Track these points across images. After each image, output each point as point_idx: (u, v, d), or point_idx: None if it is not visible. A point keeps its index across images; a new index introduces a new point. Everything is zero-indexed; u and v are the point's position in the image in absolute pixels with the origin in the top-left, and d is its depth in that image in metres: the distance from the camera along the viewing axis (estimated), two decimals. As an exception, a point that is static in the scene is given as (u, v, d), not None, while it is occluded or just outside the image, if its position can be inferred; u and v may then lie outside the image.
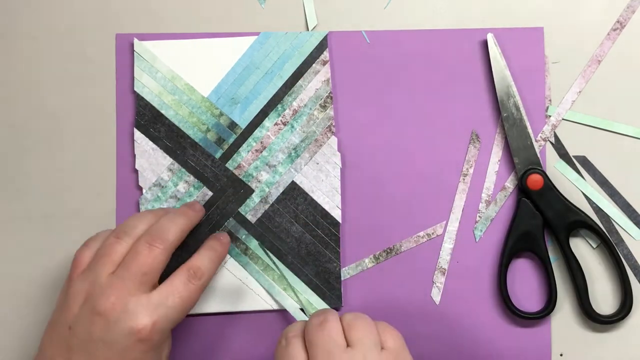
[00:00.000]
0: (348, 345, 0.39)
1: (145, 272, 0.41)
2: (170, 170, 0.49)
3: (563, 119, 0.50)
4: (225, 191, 0.49)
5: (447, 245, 0.49)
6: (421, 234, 0.49)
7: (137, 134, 0.49)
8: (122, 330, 0.40)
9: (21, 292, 0.49)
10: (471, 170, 0.50)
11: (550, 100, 0.50)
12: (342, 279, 0.49)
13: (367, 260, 0.49)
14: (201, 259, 0.44)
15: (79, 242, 0.49)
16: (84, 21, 0.51)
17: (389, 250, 0.49)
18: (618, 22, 0.50)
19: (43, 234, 0.50)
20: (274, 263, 0.48)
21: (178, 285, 0.42)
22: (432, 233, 0.49)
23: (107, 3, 0.51)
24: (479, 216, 0.50)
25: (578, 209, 0.48)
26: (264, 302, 0.49)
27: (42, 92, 0.50)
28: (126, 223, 0.44)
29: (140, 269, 0.41)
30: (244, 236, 0.49)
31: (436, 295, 0.49)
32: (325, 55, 0.50)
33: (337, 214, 0.49)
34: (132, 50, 0.50)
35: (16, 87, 0.50)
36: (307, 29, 0.50)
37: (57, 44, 0.50)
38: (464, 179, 0.50)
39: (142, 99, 0.49)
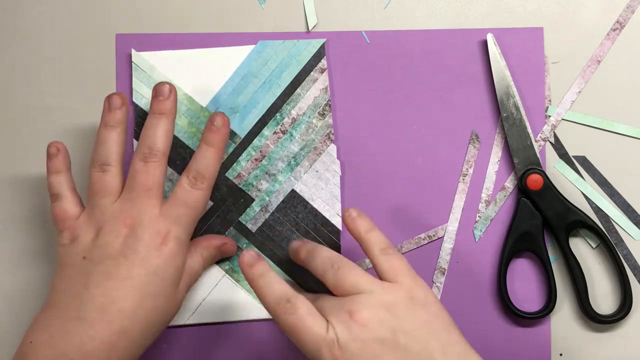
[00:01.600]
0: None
1: (150, 187, 0.43)
2: (171, 180, 0.49)
3: (563, 119, 0.50)
4: (226, 200, 0.49)
5: (447, 245, 0.49)
6: (422, 235, 0.49)
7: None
8: (141, 242, 0.41)
9: (20, 293, 0.49)
10: (471, 170, 0.50)
11: (550, 100, 0.50)
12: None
13: (367, 261, 0.49)
14: (199, 160, 0.44)
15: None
16: (84, 21, 0.51)
17: (389, 251, 0.49)
18: (618, 22, 0.50)
19: (43, 234, 0.50)
20: None
21: (182, 195, 0.43)
22: (434, 235, 0.49)
23: (107, 3, 0.51)
24: (479, 216, 0.50)
25: (578, 209, 0.48)
26: (266, 312, 0.48)
27: (42, 92, 0.50)
28: (98, 151, 0.44)
29: (144, 186, 0.42)
30: (245, 245, 0.49)
31: (436, 295, 0.49)
32: (323, 63, 0.50)
33: (337, 221, 0.49)
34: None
35: (17, 87, 0.50)
36: (307, 29, 0.50)
37: (57, 44, 0.50)
38: (463, 179, 0.50)
39: (141, 109, 0.49)
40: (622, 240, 0.50)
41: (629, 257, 0.49)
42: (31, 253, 0.50)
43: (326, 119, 0.49)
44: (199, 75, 0.50)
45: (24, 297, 0.50)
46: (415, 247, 0.49)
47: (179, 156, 0.49)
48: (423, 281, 0.41)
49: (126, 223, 0.42)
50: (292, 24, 0.50)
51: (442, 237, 0.50)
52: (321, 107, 0.49)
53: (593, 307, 0.49)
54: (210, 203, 0.49)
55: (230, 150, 0.49)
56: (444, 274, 0.49)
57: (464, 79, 0.50)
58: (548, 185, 0.49)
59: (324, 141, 0.49)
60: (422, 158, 0.50)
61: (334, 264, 0.41)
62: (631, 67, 0.50)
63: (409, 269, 0.41)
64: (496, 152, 0.50)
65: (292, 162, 0.49)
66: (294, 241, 0.46)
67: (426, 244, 0.49)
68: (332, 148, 0.49)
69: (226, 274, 0.49)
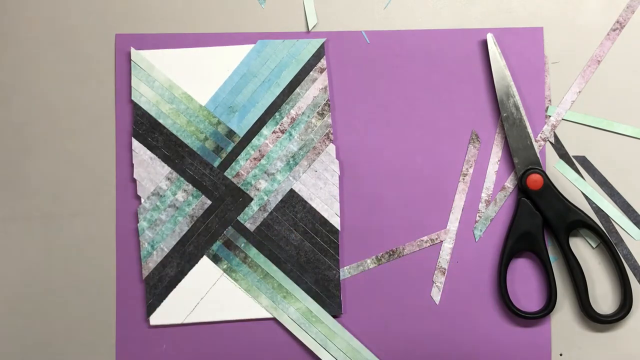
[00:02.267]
0: None
1: None
2: (169, 179, 0.49)
3: (563, 119, 0.50)
4: (224, 200, 0.49)
5: (447, 245, 0.49)
6: (425, 238, 0.49)
7: (135, 143, 0.49)
8: None
9: (20, 293, 0.49)
10: (471, 170, 0.50)
11: (550, 100, 0.50)
12: (342, 278, 0.49)
13: (369, 261, 0.49)
14: None
15: (79, 242, 0.49)
16: (84, 21, 0.51)
17: (391, 253, 0.49)
18: (618, 22, 0.50)
19: (43, 234, 0.50)
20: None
21: None
22: (436, 238, 0.49)
23: (107, 3, 0.51)
24: (479, 216, 0.50)
25: (578, 208, 0.48)
26: (264, 311, 0.49)
27: (42, 92, 0.50)
28: None
29: None
30: (243, 244, 0.49)
31: (436, 295, 0.49)
32: (323, 62, 0.50)
33: (335, 221, 0.49)
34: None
35: (17, 88, 0.50)
36: (307, 29, 0.50)
37: (57, 44, 0.50)
38: (463, 179, 0.50)
39: (140, 108, 0.49)
40: (622, 240, 0.50)
41: (629, 257, 0.49)
42: (31, 253, 0.50)
43: (325, 118, 0.49)
44: (198, 74, 0.50)
45: (24, 297, 0.50)
46: (418, 249, 0.49)
47: (177, 155, 0.49)
48: None
49: None
50: (292, 24, 0.50)
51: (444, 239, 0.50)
52: (320, 107, 0.49)
53: (593, 307, 0.49)
54: (208, 202, 0.49)
55: (229, 149, 0.49)
56: (444, 273, 0.49)
57: (464, 79, 0.50)
58: (548, 185, 0.48)
59: (323, 141, 0.49)
60: (422, 158, 0.50)
61: None
62: (631, 67, 0.50)
63: None
64: (496, 152, 0.50)
65: (291, 162, 0.49)
66: None
67: (428, 247, 0.49)
68: (331, 148, 0.49)
69: (224, 274, 0.49)
